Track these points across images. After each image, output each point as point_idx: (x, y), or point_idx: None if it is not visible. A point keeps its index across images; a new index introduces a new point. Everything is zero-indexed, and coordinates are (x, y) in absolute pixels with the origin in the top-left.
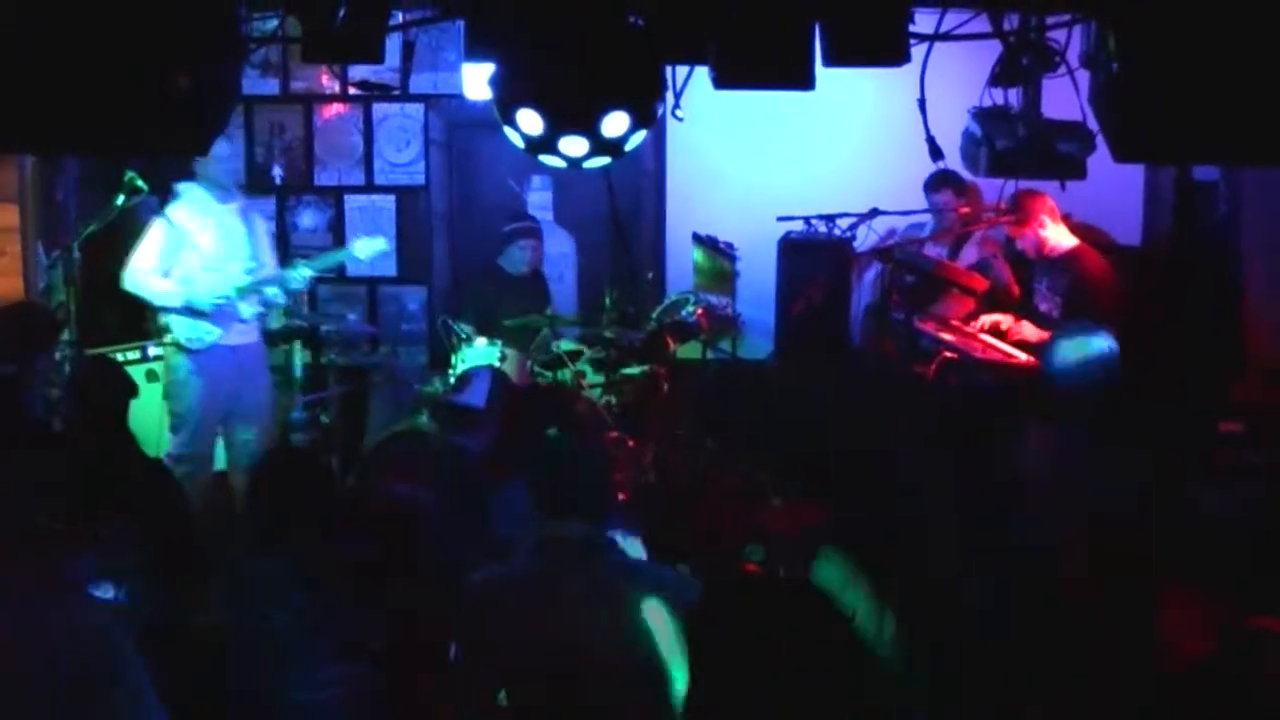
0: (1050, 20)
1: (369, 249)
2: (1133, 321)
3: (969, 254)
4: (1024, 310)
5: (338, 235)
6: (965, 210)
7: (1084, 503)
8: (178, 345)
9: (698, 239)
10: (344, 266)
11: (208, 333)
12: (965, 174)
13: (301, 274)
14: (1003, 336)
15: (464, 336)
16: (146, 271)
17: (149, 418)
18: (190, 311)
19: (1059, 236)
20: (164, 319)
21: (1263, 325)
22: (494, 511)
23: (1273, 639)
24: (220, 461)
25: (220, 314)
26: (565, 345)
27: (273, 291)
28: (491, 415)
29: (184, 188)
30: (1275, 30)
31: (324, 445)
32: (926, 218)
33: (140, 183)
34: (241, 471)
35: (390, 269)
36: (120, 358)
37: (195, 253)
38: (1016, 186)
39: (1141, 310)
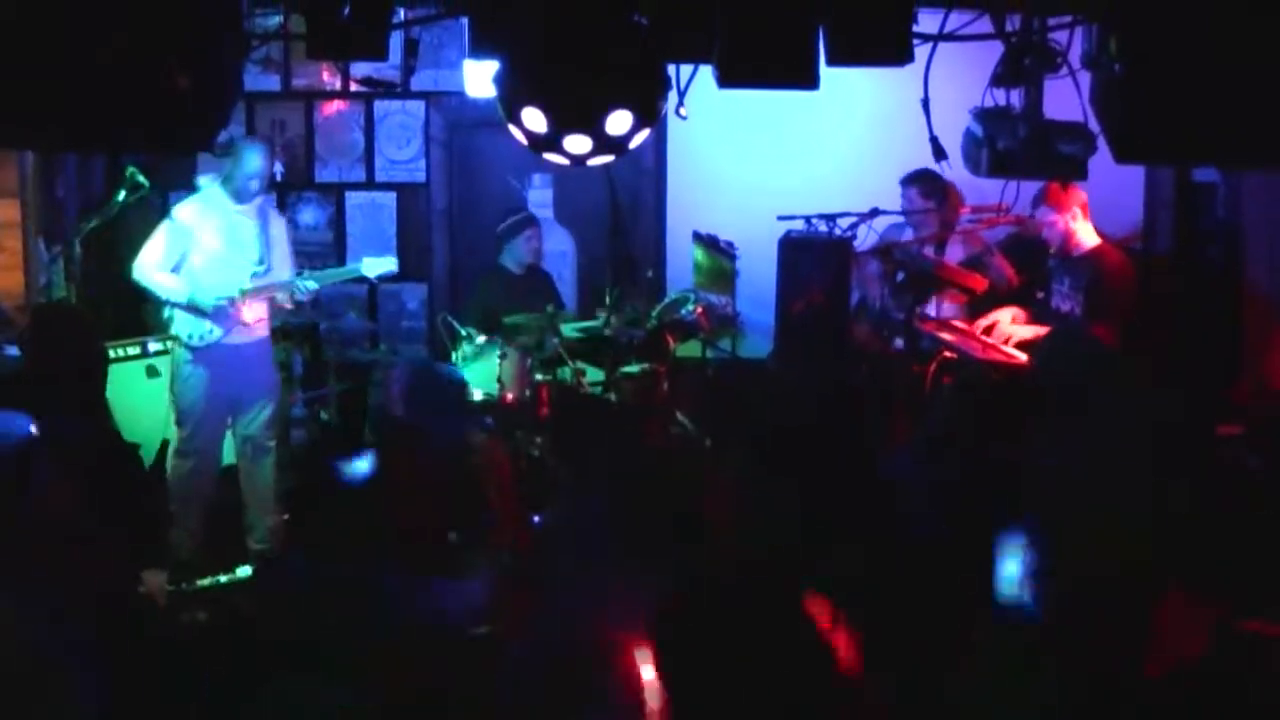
0: (1052, 21)
1: (377, 268)
2: (1136, 323)
3: (954, 252)
4: (1036, 311)
5: (338, 232)
6: (966, 209)
7: (1081, 504)
8: (180, 341)
9: (698, 237)
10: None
11: (209, 331)
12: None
13: (308, 286)
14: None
15: (464, 334)
16: (151, 266)
17: (152, 412)
18: (192, 309)
19: (1086, 233)
20: (167, 314)
21: (1263, 327)
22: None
23: (1267, 642)
24: (228, 455)
25: (221, 314)
26: (569, 331)
27: (280, 297)
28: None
29: (203, 182)
30: (1276, 33)
31: (323, 442)
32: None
33: (141, 179)
34: (249, 462)
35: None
36: (120, 353)
37: (200, 251)
38: (1019, 188)
39: (1144, 312)
